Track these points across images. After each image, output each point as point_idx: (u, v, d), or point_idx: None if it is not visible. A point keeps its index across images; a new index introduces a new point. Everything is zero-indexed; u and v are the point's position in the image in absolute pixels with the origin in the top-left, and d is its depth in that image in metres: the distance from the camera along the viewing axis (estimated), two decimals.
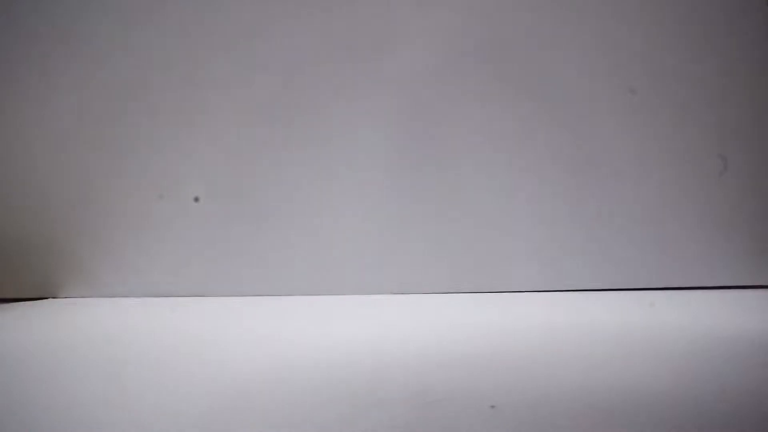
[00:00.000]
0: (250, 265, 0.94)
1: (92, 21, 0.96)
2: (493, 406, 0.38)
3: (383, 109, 0.94)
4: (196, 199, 0.94)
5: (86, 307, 0.87)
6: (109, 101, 0.96)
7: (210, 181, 0.95)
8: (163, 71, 0.96)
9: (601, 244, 0.91)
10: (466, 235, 0.93)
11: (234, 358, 0.52)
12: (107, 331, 0.71)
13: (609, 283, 0.90)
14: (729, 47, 0.92)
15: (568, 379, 0.45)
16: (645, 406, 0.39)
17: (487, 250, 0.92)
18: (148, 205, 0.95)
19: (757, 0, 0.91)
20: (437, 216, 0.93)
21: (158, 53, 0.96)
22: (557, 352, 0.54)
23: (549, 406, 0.39)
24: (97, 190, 0.95)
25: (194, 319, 0.79)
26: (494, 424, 0.36)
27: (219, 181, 0.95)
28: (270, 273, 0.93)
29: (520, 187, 0.93)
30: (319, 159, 0.95)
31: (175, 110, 0.96)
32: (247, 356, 0.53)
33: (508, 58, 0.94)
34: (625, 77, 0.93)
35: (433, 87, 0.95)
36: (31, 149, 0.96)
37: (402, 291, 0.91)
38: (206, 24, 0.96)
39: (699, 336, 0.58)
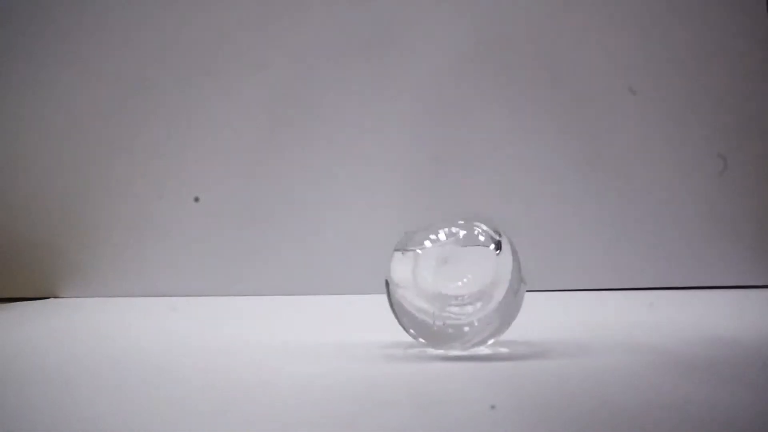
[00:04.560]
0: (250, 265, 0.94)
1: (91, 20, 0.96)
2: (493, 406, 0.38)
3: (385, 107, 0.95)
4: (196, 199, 0.94)
5: (86, 307, 0.87)
6: (109, 101, 0.96)
7: (210, 181, 0.95)
8: (163, 70, 0.96)
9: (600, 244, 0.91)
10: None
11: (234, 358, 0.52)
12: (107, 331, 0.71)
13: (609, 283, 0.90)
14: (729, 47, 0.92)
15: (569, 379, 0.45)
16: (644, 406, 0.39)
17: None
18: (148, 205, 0.95)
19: (756, 0, 0.91)
20: (438, 216, 0.93)
21: (158, 52, 0.96)
22: (557, 352, 0.54)
23: (549, 406, 0.39)
24: (96, 190, 0.95)
25: (194, 318, 0.79)
26: (494, 424, 0.36)
27: (219, 181, 0.95)
28: (271, 272, 0.93)
29: (519, 187, 0.93)
30: (319, 158, 0.95)
31: (174, 110, 0.96)
32: (247, 356, 0.53)
33: (517, 60, 0.94)
34: (625, 77, 0.93)
35: (440, 88, 0.95)
36: (31, 149, 0.96)
37: None
38: (207, 23, 0.96)
39: (699, 336, 0.58)
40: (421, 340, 0.52)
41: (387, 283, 0.53)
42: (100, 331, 0.71)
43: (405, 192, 0.94)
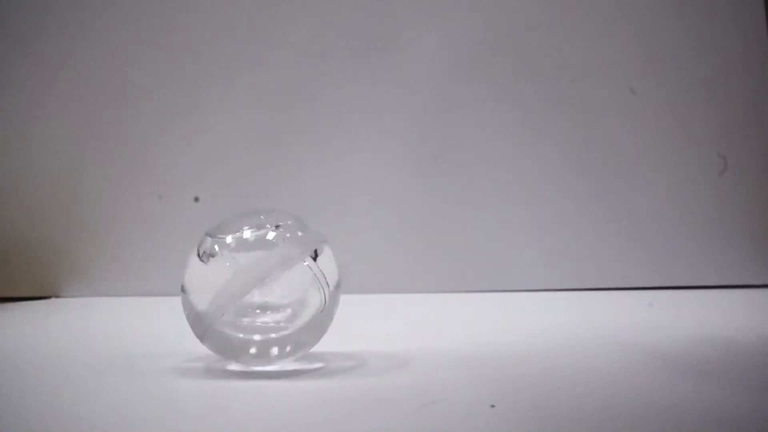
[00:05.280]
0: None
1: (90, 20, 0.96)
2: (493, 406, 0.38)
3: (389, 109, 0.94)
4: (196, 199, 0.94)
5: (87, 306, 0.87)
6: (109, 101, 0.96)
7: (210, 181, 0.95)
8: (163, 70, 0.96)
9: (600, 244, 0.91)
10: (465, 234, 0.93)
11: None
12: (108, 330, 0.71)
13: (609, 283, 0.90)
14: (729, 48, 0.92)
15: (568, 379, 0.45)
16: (644, 406, 0.39)
17: (486, 250, 0.92)
18: (148, 205, 0.95)
19: (756, 0, 0.91)
20: (439, 216, 0.93)
21: (158, 52, 0.96)
22: (557, 351, 0.54)
23: (549, 406, 0.39)
24: (97, 190, 0.95)
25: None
26: (494, 424, 0.36)
27: (219, 181, 0.95)
28: None
29: (519, 187, 0.93)
30: (320, 158, 0.95)
31: (175, 110, 0.96)
32: None
33: (517, 60, 0.94)
34: (625, 77, 0.93)
35: (441, 88, 0.95)
36: (31, 149, 0.96)
37: (403, 291, 0.91)
38: (207, 22, 0.96)
39: (699, 336, 0.59)
40: (221, 355, 0.47)
41: (183, 290, 0.46)
42: (101, 331, 0.71)
43: (405, 192, 0.94)
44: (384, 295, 0.89)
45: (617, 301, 0.83)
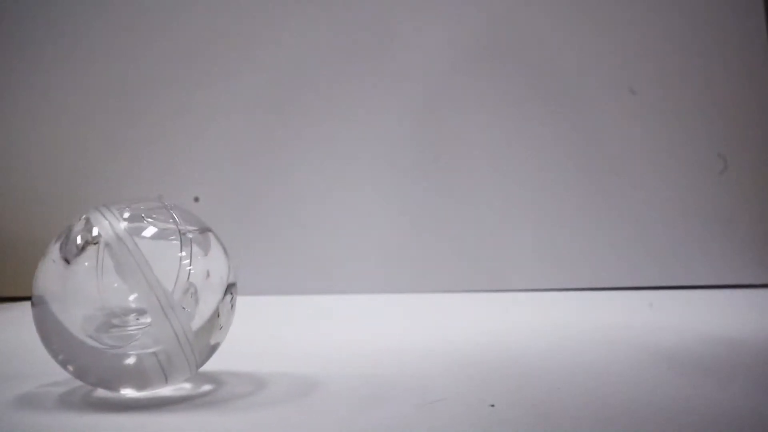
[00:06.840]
0: (250, 265, 0.94)
1: (90, 20, 0.96)
2: (492, 406, 0.38)
3: (388, 108, 0.95)
4: (196, 199, 0.94)
5: None
6: (108, 101, 0.96)
7: (210, 180, 0.95)
8: (162, 70, 0.96)
9: (600, 244, 0.91)
10: (465, 234, 0.93)
11: (234, 357, 0.52)
12: None
13: (609, 283, 0.90)
14: (729, 47, 0.92)
15: (568, 378, 0.45)
16: (644, 406, 0.39)
17: (486, 250, 0.92)
18: None
19: (756, 0, 0.91)
20: (438, 215, 0.93)
21: (157, 52, 0.96)
22: (557, 351, 0.54)
23: (549, 406, 0.39)
24: (97, 190, 0.95)
25: None
26: (494, 424, 0.36)
27: (219, 181, 0.95)
28: (269, 272, 0.93)
29: (519, 187, 0.93)
30: (319, 159, 0.95)
31: (174, 110, 0.96)
32: (249, 354, 0.53)
33: (518, 60, 0.94)
34: (625, 77, 0.93)
35: (439, 87, 0.95)
36: (31, 149, 0.96)
37: (402, 290, 0.91)
38: (207, 22, 0.96)
39: (699, 336, 0.59)
40: (88, 381, 0.38)
41: (33, 302, 0.37)
42: None
43: (404, 192, 0.94)
44: (383, 295, 0.89)
45: (617, 301, 0.83)
